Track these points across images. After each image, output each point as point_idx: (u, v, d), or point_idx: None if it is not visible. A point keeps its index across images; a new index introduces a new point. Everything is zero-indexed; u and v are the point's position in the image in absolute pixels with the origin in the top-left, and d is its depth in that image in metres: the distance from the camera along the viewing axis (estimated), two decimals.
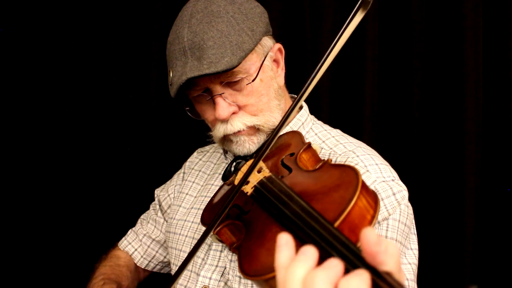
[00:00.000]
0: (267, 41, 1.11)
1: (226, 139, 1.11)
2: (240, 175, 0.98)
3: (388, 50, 1.79)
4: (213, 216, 0.84)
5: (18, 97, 1.89)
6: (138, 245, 1.39)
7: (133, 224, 1.46)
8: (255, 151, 1.10)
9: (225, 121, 1.07)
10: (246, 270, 0.72)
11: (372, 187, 0.97)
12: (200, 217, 1.19)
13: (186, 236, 1.20)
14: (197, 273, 1.10)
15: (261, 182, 0.85)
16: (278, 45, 1.15)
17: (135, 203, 1.66)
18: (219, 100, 1.05)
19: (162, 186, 1.45)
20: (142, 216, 1.47)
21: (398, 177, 1.05)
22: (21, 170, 1.90)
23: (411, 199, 1.03)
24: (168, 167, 1.61)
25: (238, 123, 1.06)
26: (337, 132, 1.21)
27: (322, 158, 0.98)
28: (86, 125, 1.91)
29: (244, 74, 1.05)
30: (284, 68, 1.18)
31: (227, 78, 1.03)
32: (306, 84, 0.78)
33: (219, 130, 1.08)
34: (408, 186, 1.05)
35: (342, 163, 1.03)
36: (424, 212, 1.72)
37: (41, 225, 1.90)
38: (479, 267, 1.69)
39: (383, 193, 0.98)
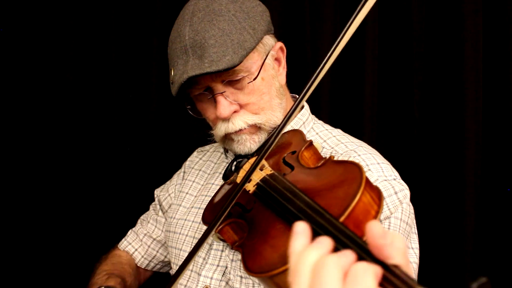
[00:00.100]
0: (269, 40, 1.11)
1: (227, 138, 1.11)
2: (242, 173, 0.98)
3: (388, 50, 1.79)
4: (215, 215, 0.84)
5: (18, 97, 1.89)
6: (138, 245, 1.39)
7: (132, 225, 1.46)
8: (256, 150, 1.10)
9: (226, 119, 1.06)
10: (250, 267, 0.71)
11: None
12: (200, 217, 1.20)
13: (187, 235, 1.20)
14: (198, 272, 1.10)
15: (264, 180, 0.85)
16: (280, 44, 1.15)
17: (135, 204, 1.66)
18: (220, 99, 1.05)
19: (161, 186, 1.45)
20: (141, 217, 1.46)
21: (399, 176, 1.05)
22: (21, 170, 1.90)
23: (411, 199, 1.03)
24: (168, 167, 1.60)
25: (239, 122, 1.06)
26: (338, 132, 1.21)
27: (324, 157, 0.98)
28: (86, 125, 1.90)
29: (245, 73, 1.05)
30: (285, 67, 1.18)
31: (228, 76, 1.03)
32: (310, 82, 0.78)
33: (221, 129, 1.08)
34: (408, 186, 1.05)
35: (345, 159, 1.04)
36: (424, 212, 1.72)
37: (40, 225, 1.89)
38: (479, 267, 1.69)
39: (385, 192, 0.98)
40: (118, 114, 1.91)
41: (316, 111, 1.71)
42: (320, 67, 0.77)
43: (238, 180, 0.98)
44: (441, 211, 1.74)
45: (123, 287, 1.23)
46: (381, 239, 0.50)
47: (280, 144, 1.04)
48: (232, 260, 1.06)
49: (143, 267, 1.40)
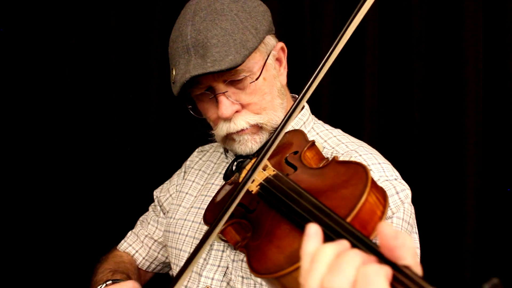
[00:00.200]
0: (270, 40, 1.11)
1: (228, 138, 1.11)
2: (245, 173, 0.98)
3: (388, 50, 1.79)
4: (217, 216, 0.84)
5: (18, 97, 1.89)
6: (139, 247, 1.37)
7: (131, 225, 1.45)
8: (257, 150, 1.09)
9: (228, 119, 1.06)
10: (256, 268, 0.71)
11: None
12: (200, 217, 1.19)
13: (187, 235, 1.19)
14: (199, 273, 1.10)
15: (267, 180, 0.85)
16: (281, 44, 1.15)
17: (134, 204, 1.66)
18: (222, 99, 1.05)
19: (160, 187, 1.44)
20: (141, 218, 1.45)
21: (400, 176, 1.05)
22: (20, 169, 1.89)
23: (412, 199, 1.04)
24: (167, 167, 1.60)
25: (241, 122, 1.06)
26: (339, 132, 1.21)
27: (326, 157, 0.98)
28: (86, 125, 1.90)
29: (247, 73, 1.04)
30: (286, 67, 1.18)
31: (230, 76, 1.03)
32: (309, 82, 0.77)
33: (222, 129, 1.08)
34: (409, 186, 1.05)
35: (349, 160, 1.04)
36: (425, 212, 1.72)
37: (38, 225, 1.89)
38: (480, 266, 1.69)
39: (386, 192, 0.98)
40: (118, 114, 1.91)
41: (316, 111, 1.70)
42: (319, 67, 0.77)
43: (241, 180, 0.98)
44: (441, 211, 1.74)
45: None
46: (393, 240, 0.49)
47: (281, 144, 1.04)
48: (233, 261, 1.05)
49: (144, 269, 1.38)
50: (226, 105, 1.04)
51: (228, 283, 1.05)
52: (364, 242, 0.55)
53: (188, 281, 1.12)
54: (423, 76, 1.77)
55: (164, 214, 1.37)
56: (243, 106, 1.07)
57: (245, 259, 1.02)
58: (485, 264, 1.71)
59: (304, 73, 1.76)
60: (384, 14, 1.77)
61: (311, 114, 1.25)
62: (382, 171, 1.03)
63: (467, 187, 1.68)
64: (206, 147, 1.43)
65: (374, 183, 0.70)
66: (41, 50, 1.88)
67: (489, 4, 1.70)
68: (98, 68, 1.90)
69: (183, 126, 1.86)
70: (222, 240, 0.92)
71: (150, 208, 1.44)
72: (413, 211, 1.04)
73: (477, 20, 1.67)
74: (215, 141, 1.17)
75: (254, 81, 1.05)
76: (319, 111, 1.75)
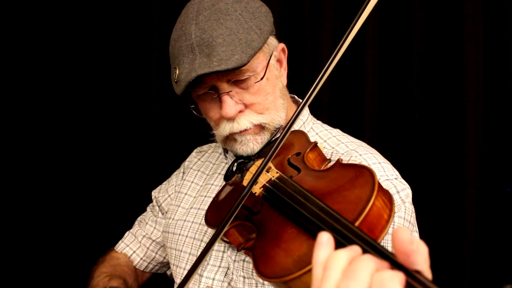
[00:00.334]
0: (272, 41, 1.11)
1: (229, 138, 1.11)
2: (249, 176, 0.97)
3: (388, 50, 1.79)
4: (220, 217, 0.84)
5: (18, 97, 1.89)
6: (136, 247, 1.37)
7: (129, 225, 1.44)
8: (258, 151, 1.09)
9: (231, 119, 1.06)
10: (263, 272, 0.71)
11: None
12: (200, 217, 1.19)
13: (186, 236, 1.19)
14: (199, 274, 1.10)
15: (272, 183, 0.84)
16: (282, 45, 1.16)
17: (132, 204, 1.66)
18: (226, 98, 1.04)
19: (159, 187, 1.43)
20: (139, 218, 1.45)
21: (400, 175, 1.05)
22: (19, 169, 1.89)
23: (412, 199, 1.04)
24: (166, 167, 1.60)
25: (244, 122, 1.06)
26: (338, 132, 1.22)
27: (327, 158, 0.98)
28: (86, 125, 1.90)
29: (251, 73, 1.04)
30: (286, 68, 1.18)
31: (235, 76, 1.03)
32: (312, 88, 0.77)
33: (225, 129, 1.07)
34: (409, 186, 1.05)
35: (355, 162, 1.03)
36: (425, 212, 1.71)
37: (36, 225, 1.89)
38: (479, 266, 1.69)
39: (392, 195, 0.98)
40: (118, 114, 1.91)
41: (316, 111, 1.70)
42: (322, 72, 0.77)
43: (245, 182, 0.98)
44: (441, 211, 1.74)
45: None
46: (410, 245, 0.49)
47: (283, 145, 1.04)
48: (234, 261, 1.05)
49: (141, 269, 1.38)
50: (230, 105, 1.04)
51: (229, 283, 1.05)
52: (374, 247, 0.55)
53: (190, 282, 1.12)
54: (423, 76, 1.76)
55: (162, 214, 1.37)
56: (246, 106, 1.07)
57: (247, 259, 1.02)
58: (485, 264, 1.71)
59: (304, 73, 1.76)
60: (384, 14, 1.77)
61: (310, 114, 1.26)
62: (383, 170, 1.03)
63: (467, 187, 1.68)
64: (205, 147, 1.43)
65: (380, 186, 0.70)
66: (41, 50, 1.88)
67: (489, 4, 1.70)
68: (98, 68, 1.90)
69: (183, 126, 1.86)
70: (225, 241, 0.92)
71: (148, 209, 1.44)
72: (413, 210, 1.04)
73: (477, 20, 1.67)
74: (215, 142, 1.17)
75: (259, 81, 1.05)
76: (319, 111, 1.75)
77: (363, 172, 0.73)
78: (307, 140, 1.01)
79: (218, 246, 1.10)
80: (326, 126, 1.24)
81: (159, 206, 1.38)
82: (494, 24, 1.69)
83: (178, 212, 1.27)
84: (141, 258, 1.37)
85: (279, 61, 1.16)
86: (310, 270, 0.61)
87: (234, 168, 1.10)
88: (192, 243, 1.17)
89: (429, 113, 1.77)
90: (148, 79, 1.88)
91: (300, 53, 1.77)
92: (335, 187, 0.77)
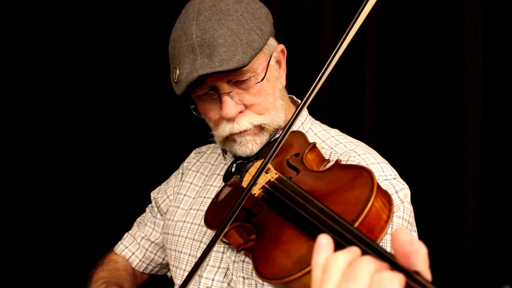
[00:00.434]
0: (272, 42, 1.12)
1: (228, 139, 1.11)
2: (248, 177, 0.97)
3: (388, 50, 1.79)
4: (219, 218, 0.84)
5: (18, 97, 1.89)
6: (135, 249, 1.37)
7: (128, 226, 1.45)
8: (257, 152, 1.09)
9: (231, 120, 1.06)
10: (263, 273, 0.71)
11: None
12: (199, 218, 1.19)
13: (186, 237, 1.19)
14: (199, 274, 1.10)
15: (271, 184, 0.84)
16: (281, 46, 1.16)
17: (132, 205, 1.66)
18: (226, 99, 1.04)
19: (158, 188, 1.43)
20: (138, 219, 1.45)
21: (398, 175, 1.06)
22: (18, 169, 1.89)
23: (411, 199, 1.04)
24: (165, 168, 1.60)
25: (244, 122, 1.06)
26: (336, 132, 1.22)
27: (326, 158, 0.98)
28: (86, 125, 1.90)
29: (252, 73, 1.05)
30: (285, 69, 1.18)
31: (235, 76, 1.03)
32: (311, 89, 0.77)
33: (225, 129, 1.07)
34: (409, 186, 1.06)
35: (354, 163, 1.02)
36: (424, 212, 1.72)
37: (36, 225, 1.89)
38: (479, 266, 1.69)
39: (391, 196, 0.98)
40: (118, 114, 1.91)
41: (316, 111, 1.71)
42: (320, 73, 0.76)
43: (244, 184, 0.98)
44: (441, 211, 1.73)
45: None
46: (410, 246, 0.49)
47: (281, 146, 1.04)
48: (234, 262, 1.06)
49: (141, 271, 1.38)
50: (230, 106, 1.04)
51: (228, 284, 1.05)
52: (374, 248, 0.55)
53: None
54: (423, 76, 1.76)
55: (161, 215, 1.37)
56: (246, 107, 1.07)
57: (246, 260, 1.02)
58: (485, 264, 1.71)
59: (303, 73, 1.76)
60: (384, 14, 1.77)
61: (308, 114, 1.26)
62: (381, 170, 1.03)
63: (467, 187, 1.68)
64: (203, 148, 1.43)
65: (379, 187, 0.70)
66: (41, 50, 1.88)
67: (489, 4, 1.70)
68: (98, 68, 1.90)
69: (183, 127, 1.86)
70: (224, 242, 0.92)
71: (147, 209, 1.44)
72: (412, 209, 1.04)
73: (477, 20, 1.67)
74: (214, 142, 1.17)
75: (259, 82, 1.05)
76: (319, 111, 1.75)
77: (362, 173, 0.74)
78: (306, 140, 1.01)
79: (218, 247, 1.10)
80: (324, 126, 1.25)
81: (157, 207, 1.38)
82: (494, 24, 1.69)
83: (177, 213, 1.27)
84: (140, 260, 1.37)
85: (278, 62, 1.16)
86: (310, 271, 0.62)
87: (233, 169, 1.10)
88: (192, 244, 1.18)
89: (429, 113, 1.77)
90: (148, 79, 1.88)
91: (300, 53, 1.77)
92: (334, 188, 0.77)
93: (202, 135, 1.22)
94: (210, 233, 1.15)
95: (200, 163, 1.37)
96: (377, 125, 1.78)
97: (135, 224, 1.43)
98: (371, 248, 0.56)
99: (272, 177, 0.86)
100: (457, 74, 1.69)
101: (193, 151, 1.44)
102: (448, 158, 1.73)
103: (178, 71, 1.03)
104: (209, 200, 1.14)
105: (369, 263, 0.50)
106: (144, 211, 1.45)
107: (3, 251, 1.87)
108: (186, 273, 1.14)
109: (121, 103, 1.91)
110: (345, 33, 0.75)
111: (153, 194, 1.42)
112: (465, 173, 1.68)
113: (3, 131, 1.88)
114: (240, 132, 1.07)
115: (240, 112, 1.06)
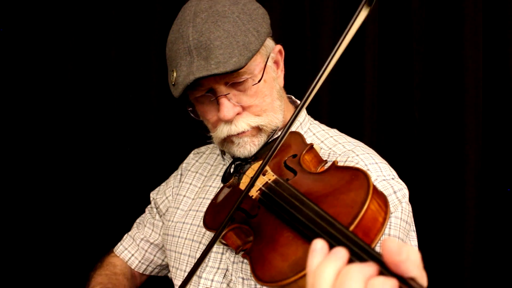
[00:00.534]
0: (270, 42, 1.11)
1: (227, 141, 1.11)
2: (246, 180, 0.97)
3: (388, 50, 1.79)
4: (218, 220, 0.84)
5: (18, 97, 1.89)
6: (135, 250, 1.38)
7: (128, 226, 1.45)
8: (255, 153, 1.09)
9: (229, 122, 1.06)
10: (260, 276, 0.71)
11: None
12: (198, 219, 1.19)
13: (186, 238, 1.19)
14: (198, 275, 1.10)
15: (268, 186, 0.84)
16: (279, 47, 1.15)
17: (131, 205, 1.66)
18: (224, 101, 1.04)
19: (157, 189, 1.43)
20: (137, 220, 1.45)
21: (397, 175, 1.06)
22: (18, 169, 1.90)
23: (411, 199, 1.04)
24: (165, 168, 1.60)
25: (242, 124, 1.06)
26: (335, 132, 1.22)
27: (324, 159, 0.98)
28: (85, 125, 1.91)
29: (249, 75, 1.04)
30: (283, 69, 1.18)
31: (232, 78, 1.03)
32: (310, 89, 0.77)
33: (223, 131, 1.07)
34: (408, 186, 1.06)
35: (350, 165, 1.03)
36: (424, 212, 1.72)
37: (36, 225, 1.89)
38: (479, 266, 1.69)
39: (384, 192, 0.98)
40: (118, 114, 1.91)
41: (316, 111, 1.71)
42: (320, 73, 0.76)
43: (242, 186, 0.98)
44: (441, 211, 1.73)
45: None
46: (398, 256, 0.49)
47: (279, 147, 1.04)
48: (233, 262, 1.06)
49: (140, 272, 1.39)
50: (228, 107, 1.04)
51: (228, 285, 1.05)
52: (368, 253, 0.55)
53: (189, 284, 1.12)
54: (423, 76, 1.76)
55: (160, 216, 1.37)
56: (243, 108, 1.07)
57: (245, 261, 1.02)
58: (485, 265, 1.71)
59: (303, 73, 1.76)
60: (384, 14, 1.77)
61: (307, 114, 1.26)
62: (380, 170, 1.03)
63: (467, 187, 1.68)
64: (202, 149, 1.43)
65: (375, 189, 0.70)
66: (41, 50, 1.88)
67: (489, 5, 1.70)
68: (98, 68, 1.90)
69: (182, 127, 1.86)
70: (223, 244, 0.92)
71: (147, 210, 1.44)
72: (410, 209, 1.04)
73: (477, 20, 1.67)
74: (213, 143, 1.17)
75: (256, 83, 1.05)
76: (319, 111, 1.75)
77: (358, 175, 0.73)
78: (303, 141, 1.01)
79: (217, 247, 1.10)
80: (323, 127, 1.24)
81: (156, 208, 1.38)
82: (494, 24, 1.69)
83: (177, 214, 1.27)
84: (139, 261, 1.37)
85: (276, 62, 1.15)
86: (305, 275, 0.62)
87: (232, 170, 1.10)
88: (191, 245, 1.18)
89: (429, 113, 1.77)
90: (148, 79, 1.88)
91: (299, 53, 1.77)
92: (330, 190, 0.77)
93: (201, 135, 1.22)
94: (209, 234, 1.15)
95: (199, 163, 1.37)
96: (377, 125, 1.78)
97: (135, 225, 1.44)
98: (365, 252, 0.55)
99: (269, 179, 0.86)
100: (457, 74, 1.69)
101: (192, 152, 1.44)
102: (448, 158, 1.73)
103: (175, 73, 1.03)
104: (208, 201, 1.14)
105: (358, 273, 0.50)
106: (143, 211, 1.45)
107: (3, 251, 1.87)
108: (185, 274, 1.14)
109: (120, 103, 1.91)
110: (345, 32, 0.74)
111: (152, 194, 1.43)
112: (465, 173, 1.68)
113: (3, 131, 1.88)
114: (238, 134, 1.07)
115: (238, 113, 1.06)
